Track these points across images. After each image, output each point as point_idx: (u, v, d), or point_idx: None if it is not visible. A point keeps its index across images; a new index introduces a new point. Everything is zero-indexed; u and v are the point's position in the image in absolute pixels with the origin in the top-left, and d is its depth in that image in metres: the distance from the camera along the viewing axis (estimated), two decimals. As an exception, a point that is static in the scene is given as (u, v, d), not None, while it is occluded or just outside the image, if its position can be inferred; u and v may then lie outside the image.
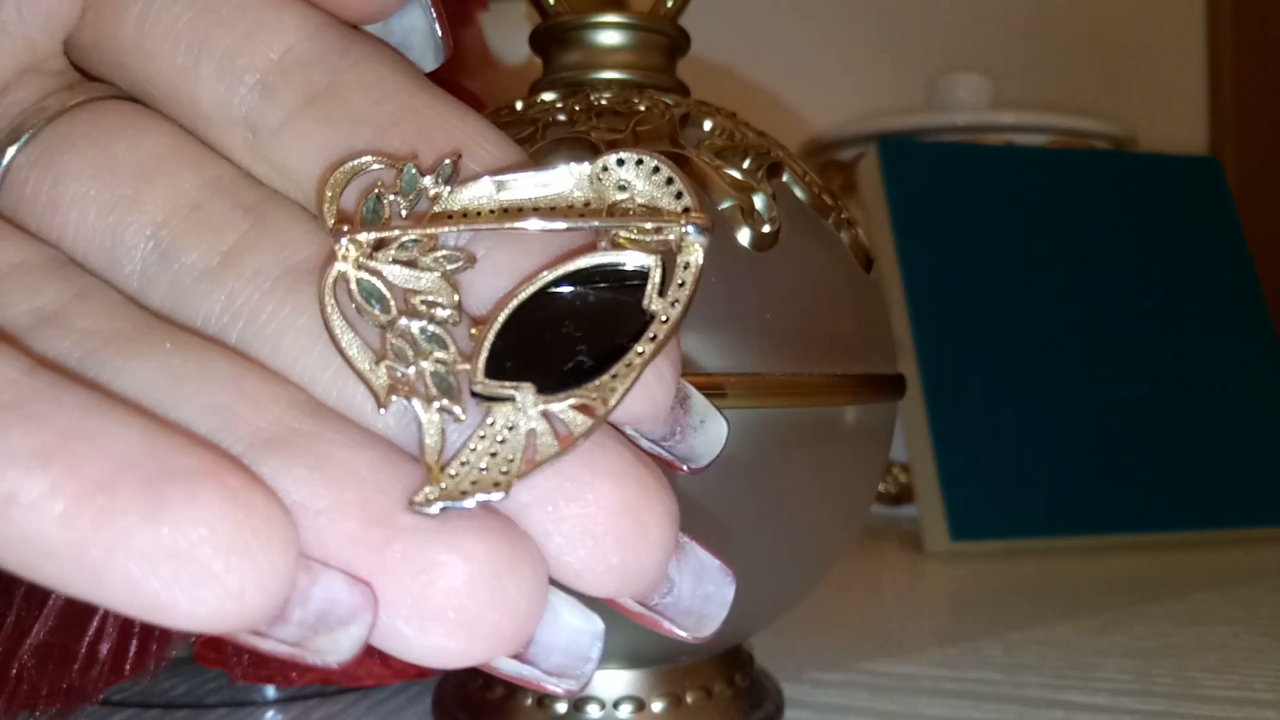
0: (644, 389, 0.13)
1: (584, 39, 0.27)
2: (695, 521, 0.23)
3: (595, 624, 0.13)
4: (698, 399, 0.15)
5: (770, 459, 0.23)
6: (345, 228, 0.13)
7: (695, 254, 0.13)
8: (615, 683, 0.26)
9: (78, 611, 0.28)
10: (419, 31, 0.16)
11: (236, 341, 0.13)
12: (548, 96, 0.26)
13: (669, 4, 0.28)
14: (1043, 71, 0.82)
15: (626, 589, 0.13)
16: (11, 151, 0.14)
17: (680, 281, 0.13)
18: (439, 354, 0.13)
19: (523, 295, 0.13)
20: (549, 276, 0.13)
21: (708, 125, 0.25)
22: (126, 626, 0.28)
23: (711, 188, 0.24)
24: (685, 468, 0.15)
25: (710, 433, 0.15)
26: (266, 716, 0.29)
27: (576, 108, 0.25)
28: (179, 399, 0.12)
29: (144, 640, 0.28)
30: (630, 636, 0.25)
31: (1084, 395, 0.54)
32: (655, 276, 0.13)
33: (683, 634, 0.14)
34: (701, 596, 0.14)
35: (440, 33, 0.16)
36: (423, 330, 0.13)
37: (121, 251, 0.14)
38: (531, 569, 0.12)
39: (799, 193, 0.26)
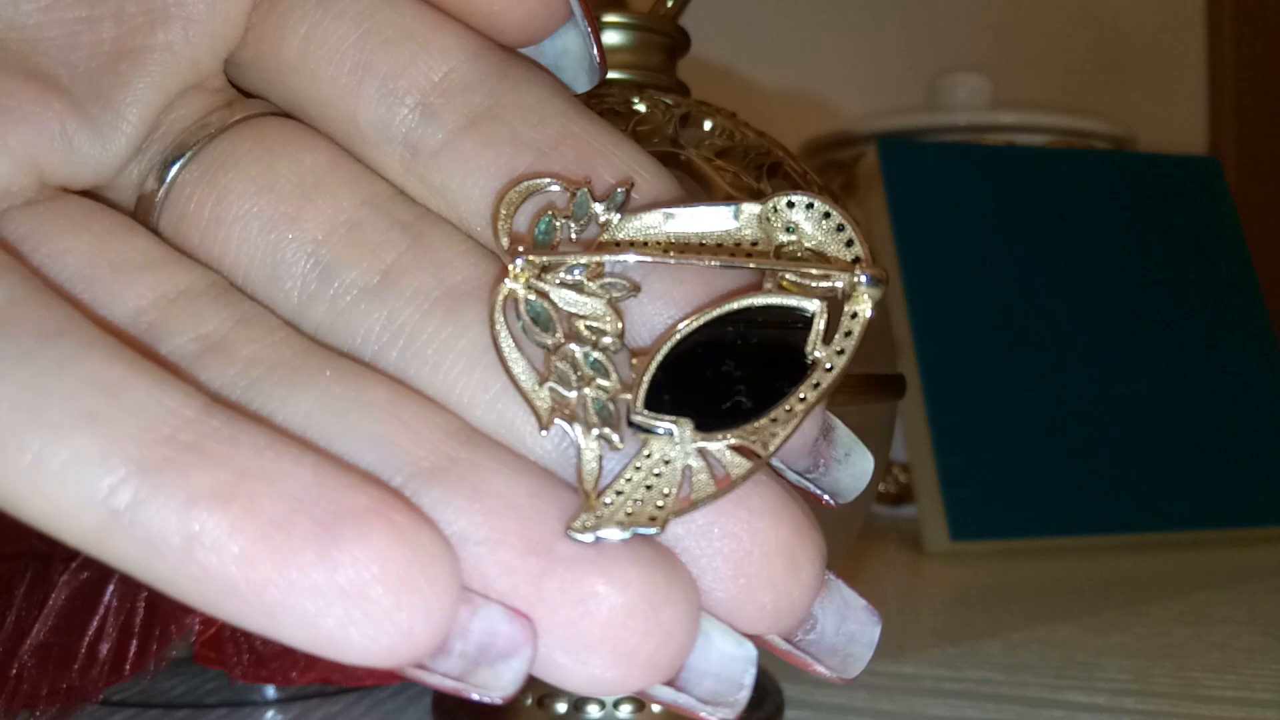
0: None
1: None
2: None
3: (748, 650, 0.13)
4: (843, 431, 0.15)
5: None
6: (520, 248, 0.13)
7: (865, 305, 0.13)
8: (615, 683, 0.26)
9: (78, 611, 0.28)
10: (572, 53, 0.16)
11: (396, 360, 0.13)
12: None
13: (669, 4, 0.28)
14: (1043, 71, 0.82)
15: (775, 627, 0.13)
16: (175, 168, 0.15)
17: (847, 331, 0.13)
18: (601, 381, 0.13)
19: (686, 329, 0.13)
20: (713, 313, 0.13)
21: (708, 125, 0.26)
22: (126, 626, 0.28)
23: (711, 188, 0.24)
24: (830, 500, 0.14)
25: (855, 466, 0.15)
26: (266, 716, 0.29)
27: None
28: (341, 430, 0.13)
29: (144, 640, 0.28)
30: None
31: (1084, 395, 0.54)
32: (820, 323, 0.13)
33: (828, 673, 0.14)
34: (845, 635, 0.14)
35: (596, 54, 0.16)
36: (586, 355, 0.13)
37: (283, 269, 0.14)
38: (685, 599, 0.12)
39: (799, 193, 0.26)
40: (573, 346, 0.13)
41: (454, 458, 0.13)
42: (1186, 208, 0.61)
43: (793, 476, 0.14)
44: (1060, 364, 0.55)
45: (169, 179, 0.15)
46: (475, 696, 0.12)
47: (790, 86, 0.76)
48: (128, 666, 0.27)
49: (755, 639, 0.13)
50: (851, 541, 0.28)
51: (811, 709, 0.29)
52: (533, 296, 0.13)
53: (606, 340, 0.13)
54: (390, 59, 0.14)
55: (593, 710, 0.25)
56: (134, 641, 0.28)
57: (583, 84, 0.16)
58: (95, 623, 0.28)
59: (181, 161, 0.15)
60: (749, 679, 0.13)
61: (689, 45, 0.28)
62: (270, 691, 0.30)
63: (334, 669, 0.29)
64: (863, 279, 0.13)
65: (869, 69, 0.79)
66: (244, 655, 0.28)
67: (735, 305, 0.13)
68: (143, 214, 0.15)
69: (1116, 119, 0.67)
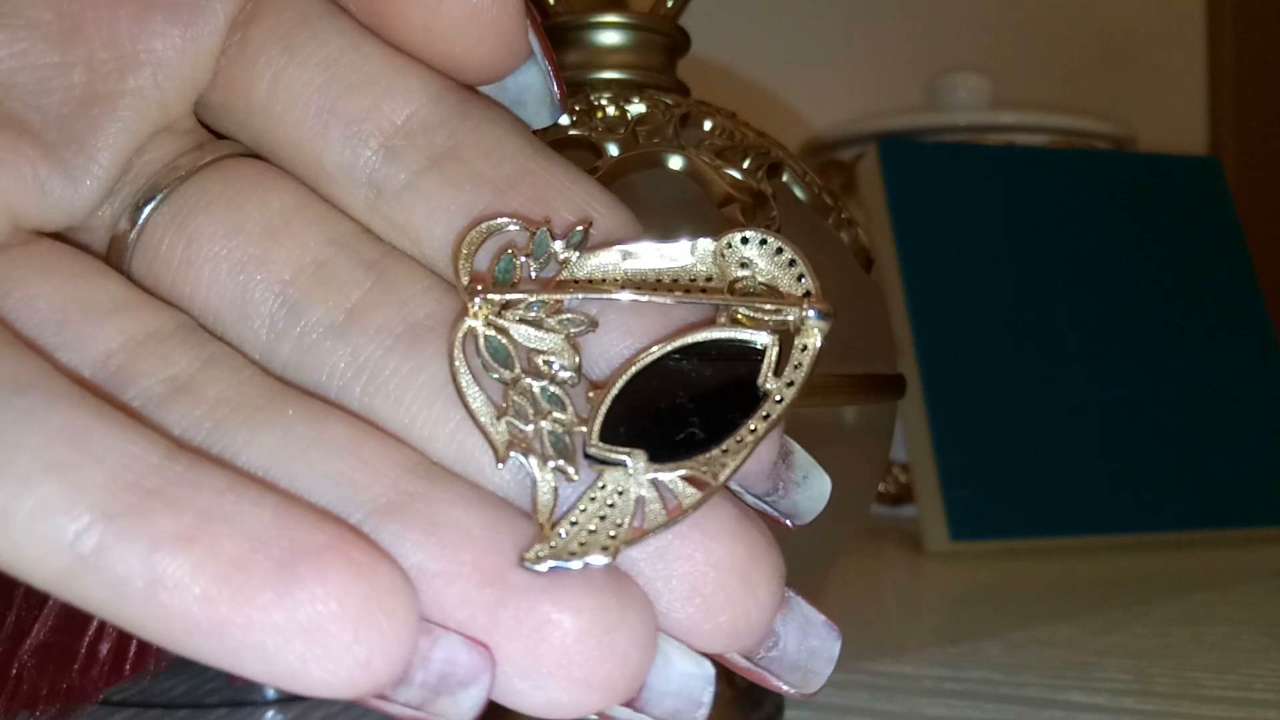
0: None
1: (584, 39, 0.27)
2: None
3: (706, 668, 0.13)
4: (800, 455, 0.15)
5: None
6: (479, 286, 0.14)
7: (814, 338, 0.14)
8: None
9: (78, 611, 0.28)
10: (534, 89, 0.16)
11: (360, 396, 0.14)
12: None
13: (669, 4, 0.28)
14: (1043, 71, 0.82)
15: (734, 646, 0.13)
16: (148, 210, 0.15)
17: (797, 364, 0.14)
18: (557, 414, 0.14)
19: (641, 363, 0.14)
20: (667, 348, 0.14)
21: (708, 125, 0.26)
22: (126, 626, 0.28)
23: (711, 188, 0.24)
24: (789, 523, 0.15)
25: (813, 488, 0.15)
26: (266, 716, 0.29)
27: (576, 108, 0.25)
28: (302, 469, 0.13)
29: (144, 640, 0.28)
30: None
31: (1084, 395, 0.54)
32: (771, 355, 0.14)
33: (789, 689, 0.14)
34: (807, 651, 0.14)
35: (557, 91, 0.16)
36: (544, 390, 0.14)
37: (251, 309, 0.14)
38: (640, 621, 0.12)
39: (799, 193, 0.26)
40: (530, 381, 0.14)
41: (412, 493, 0.13)
42: (1186, 208, 0.61)
43: (751, 500, 0.14)
44: (1060, 364, 0.55)
45: (141, 220, 0.15)
46: None
47: (791, 86, 0.76)
48: (128, 666, 0.27)
49: (715, 657, 0.14)
50: (851, 541, 0.28)
51: (811, 709, 0.29)
52: (491, 333, 0.14)
53: (564, 375, 0.14)
54: (355, 103, 0.15)
55: (593, 710, 0.25)
56: (134, 641, 0.28)
57: (544, 119, 0.17)
58: (95, 623, 0.28)
59: (153, 203, 0.15)
60: (708, 697, 0.13)
61: (689, 45, 0.28)
62: (270, 691, 0.30)
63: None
64: (811, 313, 0.14)
65: (869, 69, 0.79)
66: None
67: (689, 339, 0.14)
68: (116, 255, 0.15)
69: (1116, 119, 0.67)
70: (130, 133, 0.15)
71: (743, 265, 0.14)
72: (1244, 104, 0.88)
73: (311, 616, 0.11)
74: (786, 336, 0.14)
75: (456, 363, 0.14)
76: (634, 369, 0.14)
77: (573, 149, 0.24)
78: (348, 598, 0.11)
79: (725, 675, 0.27)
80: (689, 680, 0.13)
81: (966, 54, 0.78)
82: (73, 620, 0.28)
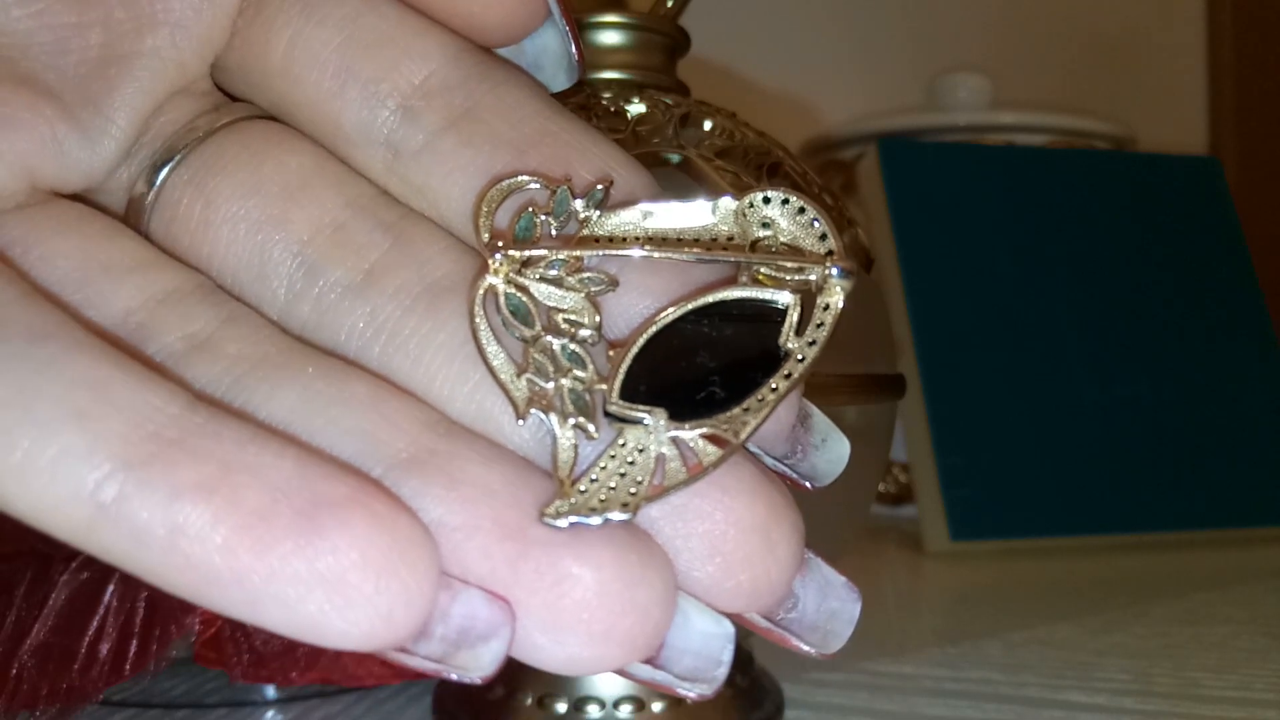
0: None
1: (584, 39, 0.27)
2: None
3: (726, 627, 0.13)
4: (819, 418, 0.15)
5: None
6: (500, 243, 0.14)
7: (836, 296, 0.14)
8: (615, 683, 0.26)
9: (78, 611, 0.28)
10: (551, 52, 0.16)
11: (379, 355, 0.14)
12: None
13: (669, 4, 0.28)
14: (1043, 71, 0.82)
15: (753, 605, 0.13)
16: (165, 171, 0.15)
17: (819, 322, 0.14)
18: (578, 372, 0.13)
19: (662, 322, 0.14)
20: (689, 306, 0.14)
21: (708, 125, 0.26)
22: (126, 626, 0.28)
23: (711, 188, 0.24)
24: (808, 485, 0.15)
25: (832, 451, 0.15)
26: (266, 716, 0.29)
27: (577, 108, 0.25)
28: (322, 424, 0.13)
29: (144, 640, 0.28)
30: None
31: (1084, 395, 0.54)
32: (793, 315, 0.14)
33: (809, 649, 0.14)
34: (827, 613, 0.14)
35: (575, 53, 0.16)
36: (564, 348, 0.14)
37: (269, 269, 0.15)
38: (660, 578, 0.12)
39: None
40: (550, 339, 0.14)
41: (432, 449, 0.13)
42: (1186, 208, 0.61)
43: (770, 462, 0.14)
44: (1060, 364, 0.55)
45: (158, 182, 0.15)
46: (454, 677, 0.12)
47: (790, 86, 0.76)
48: (128, 666, 0.27)
49: (735, 617, 0.13)
50: (852, 541, 0.28)
51: (811, 709, 0.29)
52: (512, 290, 0.14)
53: (584, 333, 0.14)
54: (372, 63, 0.15)
55: (592, 710, 0.25)
56: (134, 641, 0.28)
57: (561, 81, 0.16)
58: (95, 623, 0.28)
59: (171, 165, 0.15)
60: (727, 656, 0.13)
61: (689, 45, 0.28)
62: (270, 691, 0.30)
63: (334, 669, 0.29)
64: (834, 271, 0.14)
65: (869, 69, 0.79)
66: (244, 655, 0.28)
67: (710, 298, 0.14)
68: (133, 216, 0.15)
69: (1116, 119, 0.67)
70: (147, 93, 0.15)
71: (765, 225, 0.14)
72: (1244, 104, 0.88)
73: (333, 567, 0.11)
74: (809, 296, 0.14)
75: (477, 319, 0.13)
76: (654, 328, 0.14)
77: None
78: (369, 549, 0.11)
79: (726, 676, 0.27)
80: (709, 639, 0.13)
81: (966, 54, 0.78)
82: (73, 620, 0.28)
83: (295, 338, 0.14)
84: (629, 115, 0.25)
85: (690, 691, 0.13)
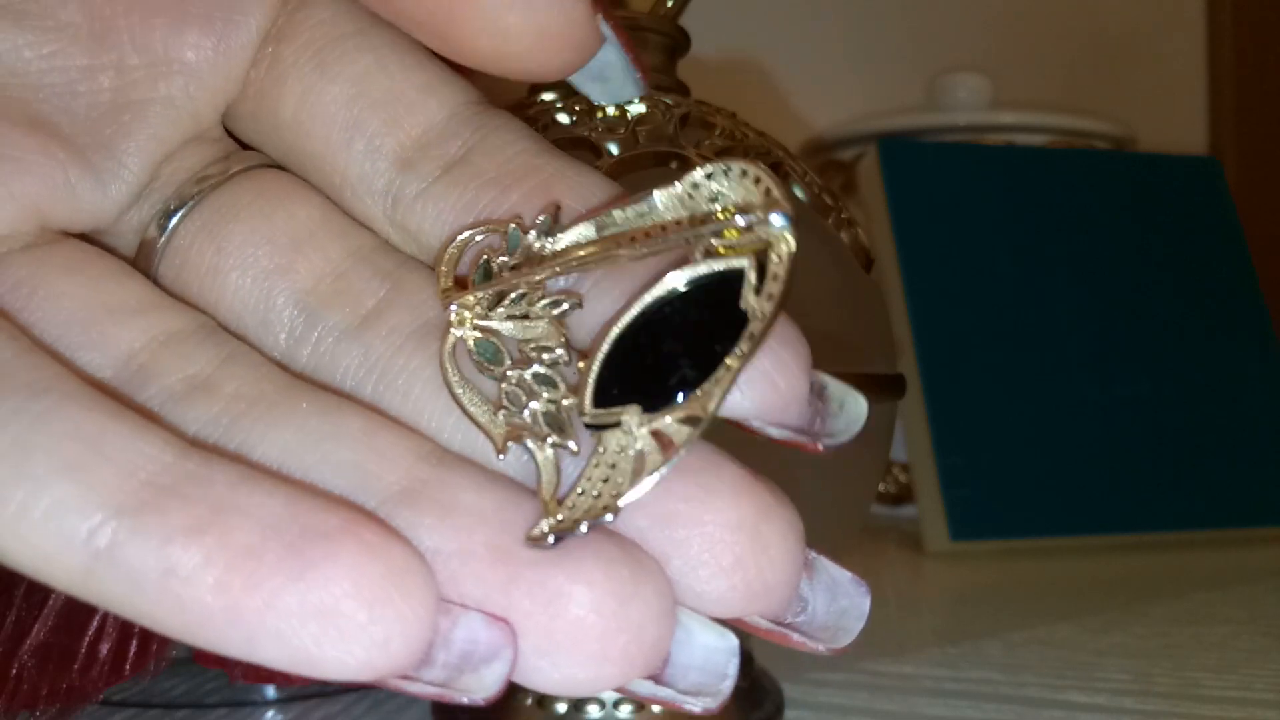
0: (764, 380, 0.13)
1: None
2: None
3: (730, 640, 0.13)
4: (834, 385, 0.15)
5: (770, 459, 0.23)
6: (450, 293, 0.14)
7: (784, 245, 0.13)
8: (615, 683, 0.26)
9: (78, 611, 0.28)
10: (614, 66, 0.16)
11: (371, 393, 0.14)
12: (548, 96, 0.26)
13: (669, 4, 0.28)
14: (1043, 71, 0.82)
15: (752, 607, 0.13)
16: (176, 218, 0.15)
17: (774, 275, 0.13)
18: (548, 394, 0.14)
19: (622, 323, 0.14)
20: (646, 299, 0.14)
21: (708, 125, 0.25)
22: (126, 626, 0.28)
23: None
24: (820, 445, 0.15)
25: (850, 412, 0.15)
26: (266, 716, 0.29)
27: (577, 107, 0.25)
28: (316, 460, 0.13)
29: (144, 640, 0.28)
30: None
31: (1084, 395, 0.54)
32: (751, 276, 0.13)
33: (819, 648, 0.14)
34: (837, 612, 0.14)
35: (635, 68, 0.16)
36: (535, 374, 0.14)
37: (272, 315, 0.15)
38: (655, 592, 0.12)
39: (799, 193, 0.26)
40: (518, 371, 0.14)
41: (425, 479, 0.13)
42: (1186, 208, 0.61)
43: (778, 432, 0.14)
44: (1060, 364, 0.55)
45: (170, 227, 0.15)
46: (464, 700, 0.12)
47: (790, 86, 0.76)
48: (128, 666, 0.27)
49: (740, 622, 0.13)
50: (852, 541, 0.28)
51: (811, 709, 0.29)
52: (479, 335, 0.14)
53: (551, 355, 0.14)
54: (377, 119, 0.15)
55: (593, 710, 0.25)
56: (134, 641, 0.28)
57: (630, 92, 0.17)
58: (95, 623, 0.28)
59: (183, 211, 0.15)
60: (732, 669, 0.13)
61: (689, 45, 0.28)
62: (270, 691, 0.30)
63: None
64: (773, 217, 0.13)
65: (869, 69, 0.79)
66: (244, 655, 0.28)
67: (666, 286, 0.14)
68: (144, 259, 0.16)
69: (1116, 119, 0.67)
70: (160, 140, 0.15)
71: (714, 200, 0.14)
72: (1244, 104, 0.88)
73: (325, 599, 0.11)
74: (764, 254, 0.14)
75: (448, 372, 0.14)
76: (616, 330, 0.14)
77: (573, 149, 0.24)
78: (361, 578, 0.11)
79: (731, 689, 0.27)
80: (712, 653, 0.13)
81: (966, 54, 0.78)
82: (73, 620, 0.28)
83: (292, 375, 0.15)
84: (629, 115, 0.25)
85: (695, 707, 0.13)
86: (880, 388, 0.25)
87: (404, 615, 0.11)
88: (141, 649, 0.27)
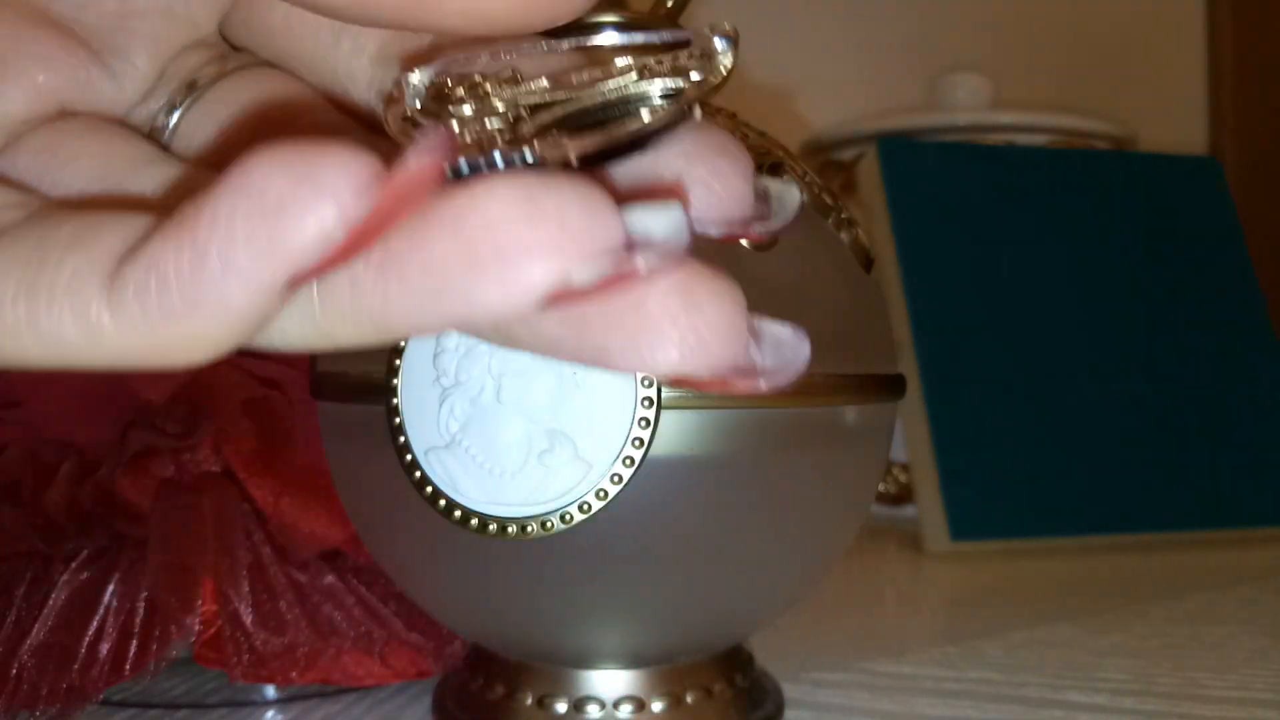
0: (701, 186, 0.14)
1: (583, 38, 0.27)
2: (697, 522, 0.23)
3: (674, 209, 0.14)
4: (773, 184, 0.16)
5: (770, 459, 0.23)
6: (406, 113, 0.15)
7: (725, 57, 0.15)
8: (615, 683, 0.26)
9: (78, 611, 0.28)
10: None
11: None
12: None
13: (669, 4, 0.28)
14: (1043, 71, 0.82)
15: (691, 367, 0.13)
16: (177, 115, 0.17)
17: (712, 73, 0.14)
18: (494, 121, 0.15)
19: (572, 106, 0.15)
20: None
21: (708, 125, 0.25)
22: (126, 626, 0.28)
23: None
24: (755, 233, 0.15)
25: (786, 206, 0.16)
26: (266, 716, 0.29)
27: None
28: None
29: (144, 640, 0.28)
30: (631, 637, 0.25)
31: (1084, 395, 0.54)
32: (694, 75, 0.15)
33: (760, 385, 0.14)
34: (782, 363, 0.15)
35: None
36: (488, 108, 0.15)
37: None
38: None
39: (799, 193, 0.26)
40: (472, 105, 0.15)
41: None
42: (1186, 208, 0.61)
43: (720, 231, 0.15)
44: (1060, 364, 0.55)
45: (173, 123, 0.17)
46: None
47: (790, 86, 0.76)
48: (128, 666, 0.27)
49: (691, 382, 0.14)
50: (852, 541, 0.28)
51: (811, 709, 0.29)
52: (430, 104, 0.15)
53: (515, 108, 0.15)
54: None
55: (592, 710, 0.25)
56: (134, 641, 0.28)
57: None
58: (95, 623, 0.28)
59: (188, 102, 0.17)
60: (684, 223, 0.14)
61: (689, 45, 0.28)
62: (270, 691, 0.30)
63: (333, 669, 0.29)
64: (717, 39, 0.15)
65: (869, 69, 0.79)
66: (244, 655, 0.28)
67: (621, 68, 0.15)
68: (154, 142, 0.17)
69: (1116, 119, 0.67)
70: (164, 42, 0.17)
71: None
72: (1244, 104, 0.88)
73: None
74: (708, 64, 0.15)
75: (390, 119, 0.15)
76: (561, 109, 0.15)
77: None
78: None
79: (726, 674, 0.27)
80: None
81: (966, 54, 0.78)
82: (73, 620, 0.28)
83: None
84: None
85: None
86: (880, 388, 0.25)
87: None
88: (141, 649, 0.27)
